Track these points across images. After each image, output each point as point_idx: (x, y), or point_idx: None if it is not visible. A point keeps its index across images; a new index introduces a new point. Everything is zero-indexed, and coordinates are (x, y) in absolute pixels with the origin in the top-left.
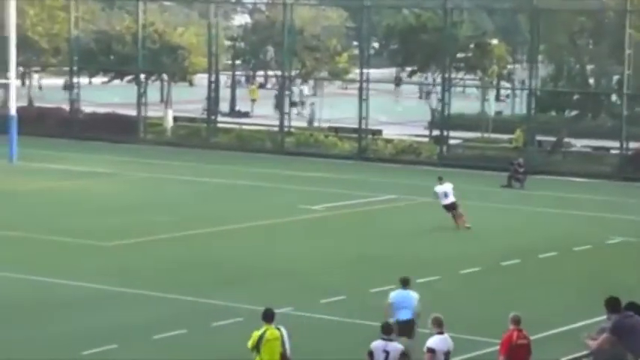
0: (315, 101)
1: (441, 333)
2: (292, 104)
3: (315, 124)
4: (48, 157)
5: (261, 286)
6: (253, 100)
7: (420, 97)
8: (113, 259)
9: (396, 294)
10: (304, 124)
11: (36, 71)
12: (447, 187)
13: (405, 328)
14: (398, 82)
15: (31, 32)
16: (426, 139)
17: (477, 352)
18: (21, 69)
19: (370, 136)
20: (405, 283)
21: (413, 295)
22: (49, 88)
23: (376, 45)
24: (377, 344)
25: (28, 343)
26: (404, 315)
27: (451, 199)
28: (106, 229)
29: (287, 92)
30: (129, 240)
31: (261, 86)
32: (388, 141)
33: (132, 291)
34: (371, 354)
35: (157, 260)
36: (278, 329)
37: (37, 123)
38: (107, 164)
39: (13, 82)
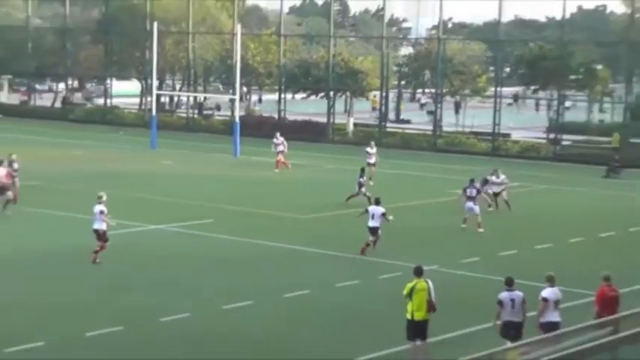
0: (459, 112)
1: (552, 286)
2: (429, 113)
3: (460, 129)
4: (262, 153)
5: (414, 249)
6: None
7: (537, 110)
8: (309, 228)
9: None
10: (453, 129)
11: (254, 89)
12: (501, 177)
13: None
14: (515, 98)
15: (252, 61)
16: (544, 141)
17: (578, 302)
18: (244, 88)
19: (501, 138)
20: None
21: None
22: (263, 102)
23: (508, 69)
24: (504, 294)
25: (243, 288)
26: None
27: (501, 187)
28: (305, 205)
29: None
30: (322, 213)
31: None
32: (515, 142)
33: (321, 252)
34: (500, 302)
35: (343, 229)
36: (426, 282)
37: (255, 127)
38: (305, 158)
39: (238, 97)
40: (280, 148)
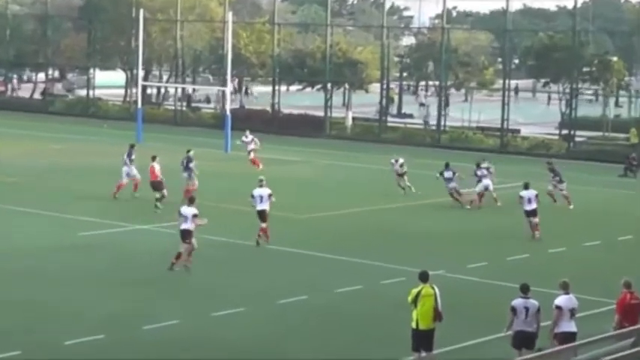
0: (464, 106)
1: (567, 293)
2: (421, 105)
3: (466, 124)
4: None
5: (418, 253)
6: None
7: (548, 104)
8: (305, 229)
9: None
10: (458, 124)
11: (247, 81)
12: (531, 193)
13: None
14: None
15: (244, 50)
16: (556, 137)
17: (596, 310)
18: (235, 79)
19: (510, 134)
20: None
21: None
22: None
23: (516, 61)
24: (518, 301)
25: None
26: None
27: (533, 205)
28: (300, 204)
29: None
30: (318, 213)
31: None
32: (524, 138)
33: (319, 254)
34: (513, 310)
35: (338, 230)
36: (432, 288)
37: (246, 121)
38: (300, 154)
39: (229, 89)
40: (251, 146)
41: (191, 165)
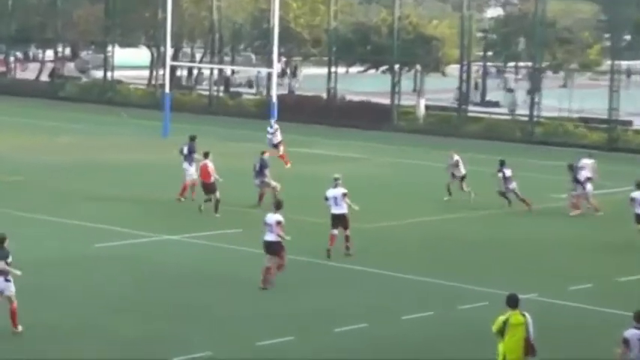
0: (563, 92)
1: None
2: (508, 90)
3: (565, 114)
4: (305, 143)
5: (505, 270)
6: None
7: None
8: (363, 241)
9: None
10: (554, 114)
11: (297, 61)
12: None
13: None
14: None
15: (294, 24)
16: None
17: None
18: (283, 59)
19: (619, 127)
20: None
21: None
22: (308, 77)
23: (628, 37)
24: (631, 332)
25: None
26: None
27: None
28: (359, 211)
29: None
30: (381, 222)
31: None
32: (637, 132)
33: (380, 271)
34: (626, 342)
35: (405, 242)
36: (523, 315)
37: (296, 110)
38: (361, 150)
39: (275, 71)
40: (278, 138)
41: (266, 171)
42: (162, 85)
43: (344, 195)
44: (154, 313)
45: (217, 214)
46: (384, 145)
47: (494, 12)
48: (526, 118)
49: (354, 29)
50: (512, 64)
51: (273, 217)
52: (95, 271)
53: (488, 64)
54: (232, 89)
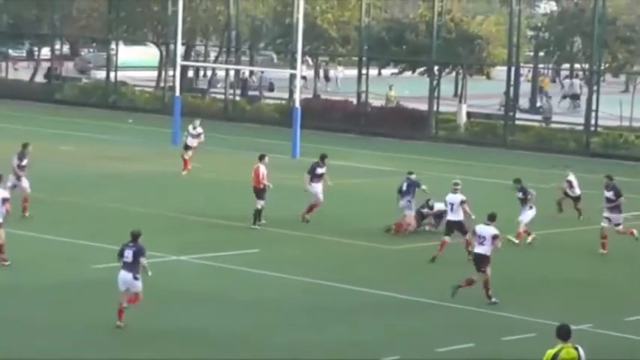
0: (622, 99)
1: None
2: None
3: (626, 123)
4: (331, 153)
5: (555, 298)
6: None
7: None
8: (393, 263)
9: None
10: (614, 124)
11: (324, 61)
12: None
13: None
14: None
15: (320, 20)
16: None
17: None
18: (308, 59)
19: None
20: None
21: None
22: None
23: None
24: None
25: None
26: None
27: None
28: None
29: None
30: (414, 244)
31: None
32: None
33: (410, 298)
34: None
35: (441, 267)
36: (575, 349)
37: (322, 116)
38: (395, 162)
39: (299, 72)
40: (198, 141)
41: (424, 186)
42: (172, 88)
43: (462, 202)
44: (161, 341)
45: (253, 226)
46: (421, 156)
47: (547, 7)
48: (581, 127)
49: (388, 26)
50: (566, 65)
51: (487, 230)
52: (90, 295)
53: (540, 65)
54: (251, 93)
